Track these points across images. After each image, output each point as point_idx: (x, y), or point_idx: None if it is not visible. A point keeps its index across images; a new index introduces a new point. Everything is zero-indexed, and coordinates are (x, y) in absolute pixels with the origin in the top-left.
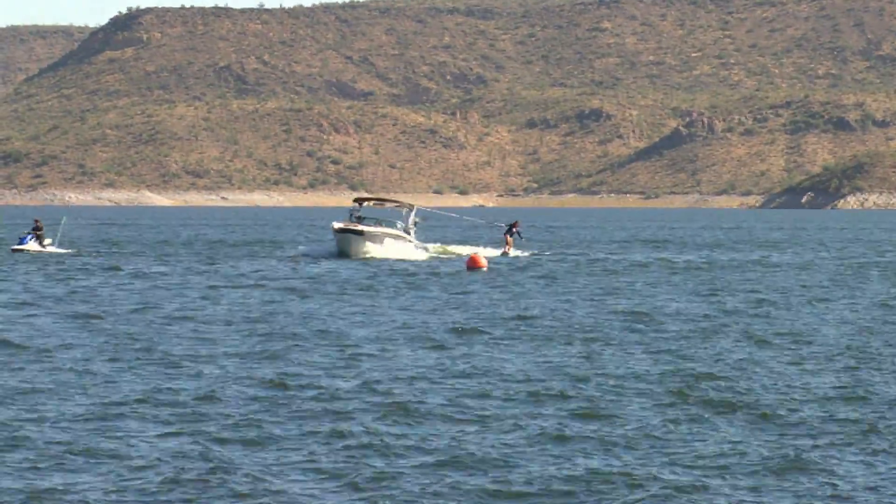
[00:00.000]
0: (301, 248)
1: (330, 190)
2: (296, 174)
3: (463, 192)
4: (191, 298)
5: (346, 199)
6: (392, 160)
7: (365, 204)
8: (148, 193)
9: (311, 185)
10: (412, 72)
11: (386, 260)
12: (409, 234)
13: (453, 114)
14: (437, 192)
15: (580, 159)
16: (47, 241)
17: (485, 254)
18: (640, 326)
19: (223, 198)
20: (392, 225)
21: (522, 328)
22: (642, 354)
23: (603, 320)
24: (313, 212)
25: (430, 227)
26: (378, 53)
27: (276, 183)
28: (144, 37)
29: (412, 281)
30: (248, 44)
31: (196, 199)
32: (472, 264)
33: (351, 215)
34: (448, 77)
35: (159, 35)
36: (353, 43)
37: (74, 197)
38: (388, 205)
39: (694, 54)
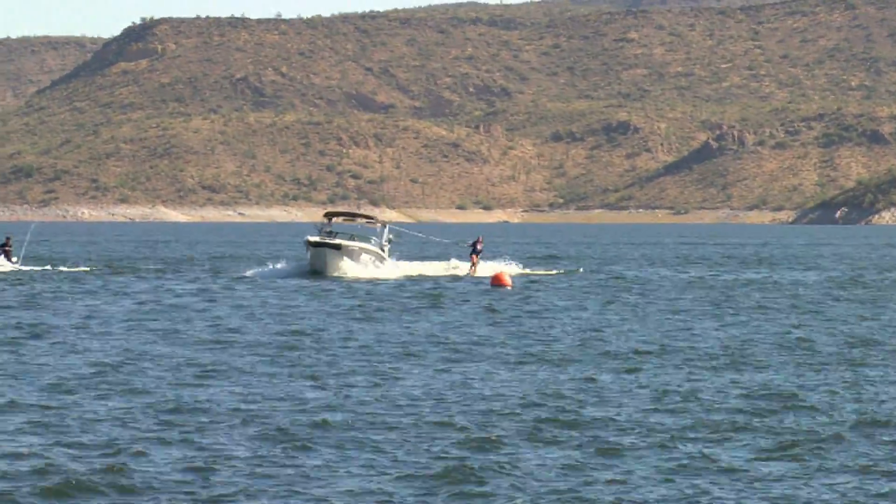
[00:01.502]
0: (256, 269)
1: (350, 205)
2: (315, 189)
3: (487, 208)
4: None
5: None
6: (414, 175)
7: (334, 220)
8: (163, 209)
9: (331, 201)
10: (434, 84)
11: (359, 280)
12: (383, 251)
13: (476, 127)
14: (460, 207)
15: (607, 174)
16: (14, 258)
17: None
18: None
19: (240, 213)
20: (366, 241)
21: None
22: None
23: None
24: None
25: (396, 245)
26: (399, 65)
27: (295, 198)
28: (159, 48)
29: (436, 299)
30: (266, 55)
31: (212, 214)
32: (497, 282)
33: (320, 231)
34: (471, 89)
35: (174, 46)
36: (373, 54)
37: (87, 213)
38: (359, 221)
39: (724, 65)
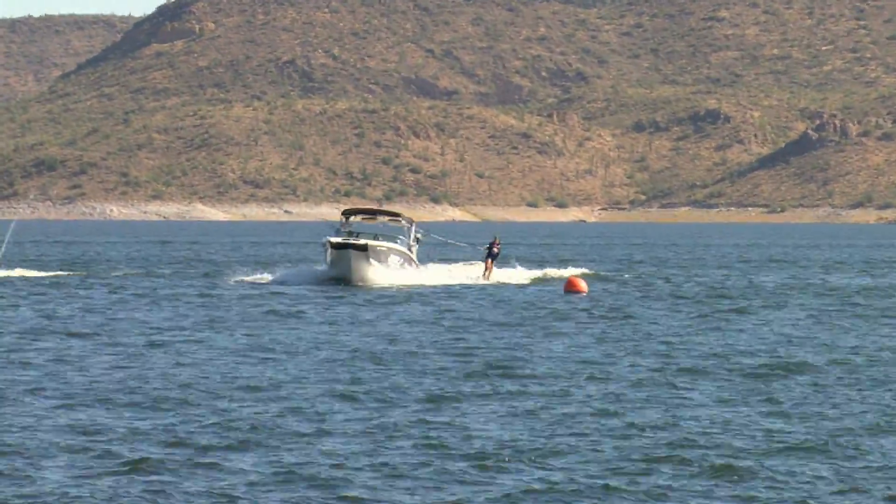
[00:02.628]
0: (259, 275)
1: (409, 202)
2: (369, 184)
3: (561, 206)
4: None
5: (426, 212)
6: (479, 168)
7: (353, 218)
8: (200, 206)
9: (387, 197)
10: (502, 67)
11: (391, 286)
12: (411, 252)
13: (549, 115)
14: (531, 205)
15: (694, 167)
16: None
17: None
18: None
19: (286, 211)
20: (393, 241)
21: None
22: None
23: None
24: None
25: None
26: (463, 46)
27: (347, 194)
28: (196, 28)
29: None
30: (315, 35)
31: (256, 212)
32: (571, 287)
33: (338, 232)
34: (543, 73)
35: (213, 26)
36: (434, 34)
37: (116, 210)
38: (381, 219)
39: (824, 48)
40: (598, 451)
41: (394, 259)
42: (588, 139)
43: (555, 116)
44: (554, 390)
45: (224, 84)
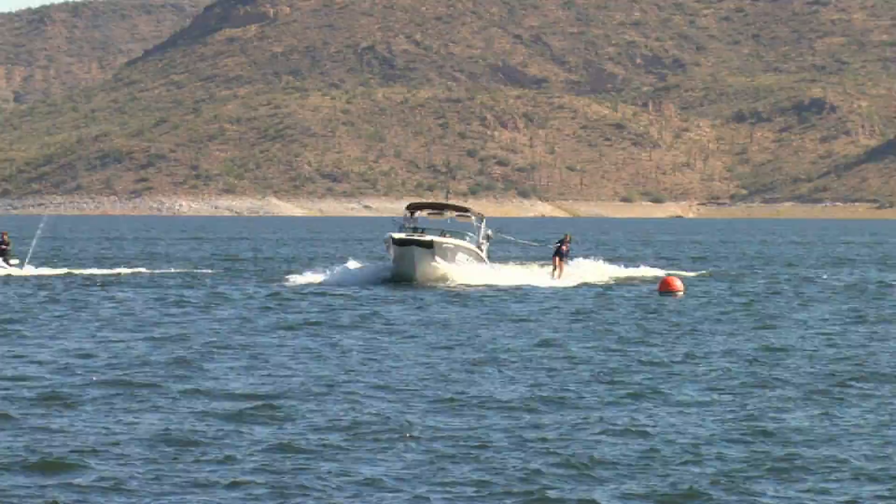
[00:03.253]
0: (312, 274)
1: (495, 197)
2: (454, 178)
3: (657, 201)
4: None
5: (513, 208)
6: (570, 161)
7: (418, 213)
8: (275, 201)
9: (473, 192)
10: (594, 54)
11: (459, 286)
12: (481, 250)
13: (645, 105)
14: (625, 200)
15: (798, 160)
16: (14, 260)
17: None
18: None
19: (366, 206)
20: (461, 237)
21: None
22: None
23: None
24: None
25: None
26: (553, 32)
27: (430, 188)
28: (271, 11)
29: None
30: (397, 20)
31: (333, 207)
32: (665, 288)
33: (402, 227)
34: (638, 60)
35: (288, 9)
36: (522, 19)
37: (186, 205)
38: (449, 213)
39: None
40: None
41: (461, 257)
42: (685, 130)
43: (650, 106)
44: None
45: (300, 71)
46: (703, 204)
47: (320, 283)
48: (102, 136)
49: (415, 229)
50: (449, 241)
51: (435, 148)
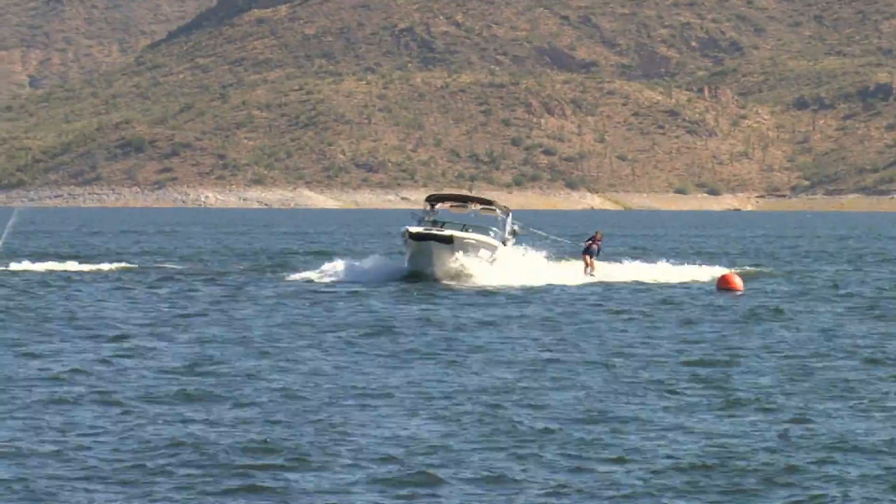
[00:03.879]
0: (318, 271)
1: (541, 188)
2: (497, 168)
3: (713, 193)
4: None
5: (561, 200)
6: (621, 150)
7: (439, 205)
8: (307, 193)
9: (517, 183)
10: (647, 36)
11: (479, 285)
12: (506, 246)
13: (700, 90)
14: (679, 191)
15: (864, 149)
16: None
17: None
18: None
19: (404, 198)
20: (484, 232)
21: None
22: None
23: None
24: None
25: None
26: (603, 13)
27: (472, 179)
28: None
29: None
30: (436, 0)
31: (369, 199)
32: (724, 285)
33: (420, 221)
34: (693, 43)
35: None
36: None
37: (213, 197)
38: (473, 206)
39: None
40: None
41: (484, 254)
42: (743, 118)
43: (706, 92)
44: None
45: (333, 55)
46: (762, 196)
47: (330, 282)
48: (123, 123)
49: (434, 223)
50: (471, 236)
51: (477, 136)
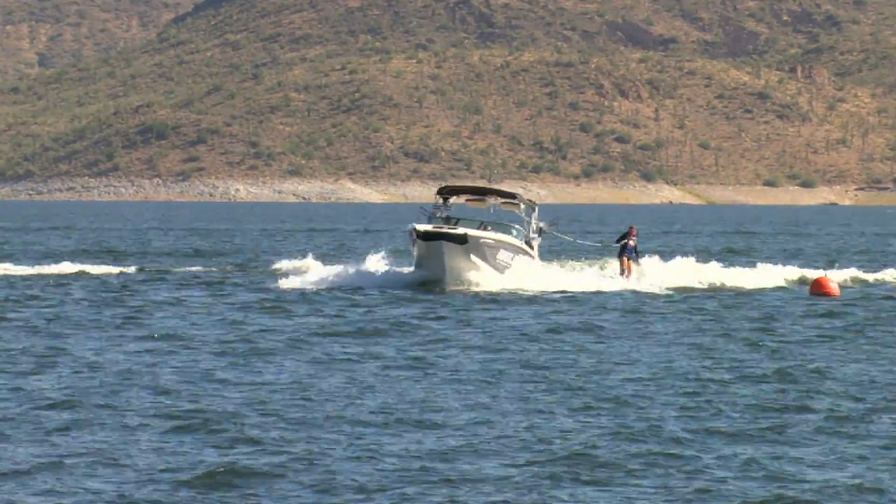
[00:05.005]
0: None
1: (613, 180)
2: (564, 157)
3: (806, 185)
4: None
5: (635, 192)
6: (703, 137)
7: (453, 199)
8: (349, 185)
9: (587, 174)
10: (733, 10)
11: (501, 291)
12: (531, 247)
13: (792, 70)
14: (768, 183)
15: None
16: None
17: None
18: None
19: None
20: (506, 231)
21: None
22: None
23: None
24: (583, 211)
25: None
26: None
27: (536, 170)
28: None
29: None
30: None
31: (419, 192)
32: (818, 289)
33: (431, 217)
34: (785, 18)
35: None
36: None
37: (243, 190)
38: (492, 200)
39: None
40: None
41: (504, 255)
42: (841, 101)
43: (799, 72)
44: None
45: (380, 29)
46: (862, 189)
47: (329, 287)
48: (144, 107)
49: (447, 220)
50: (488, 235)
51: (541, 121)
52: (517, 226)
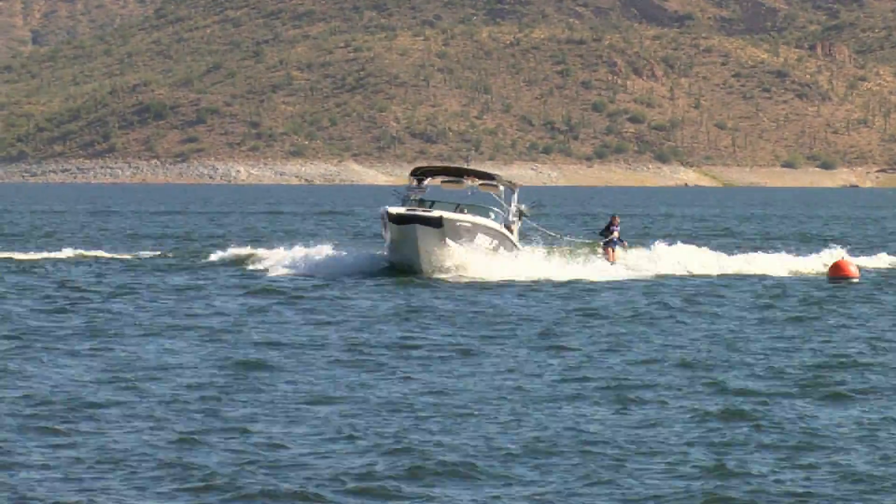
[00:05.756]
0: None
1: (627, 161)
2: (576, 138)
3: (827, 166)
4: None
5: (649, 175)
6: (720, 118)
7: (427, 181)
8: (354, 166)
9: (599, 155)
10: None
11: (478, 279)
12: (510, 231)
13: (812, 48)
14: (787, 165)
15: None
16: None
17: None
18: None
19: None
20: (483, 213)
21: None
22: None
23: None
24: (595, 194)
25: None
26: None
27: (547, 151)
28: None
29: None
30: None
31: None
32: (837, 272)
33: (406, 200)
34: None
35: None
36: None
37: (244, 171)
38: (470, 181)
39: None
40: None
41: (483, 240)
42: (862, 79)
43: (819, 49)
44: None
45: (385, 6)
46: (884, 170)
47: (294, 273)
48: (141, 86)
49: (421, 202)
50: (466, 217)
51: (552, 101)
52: (495, 209)
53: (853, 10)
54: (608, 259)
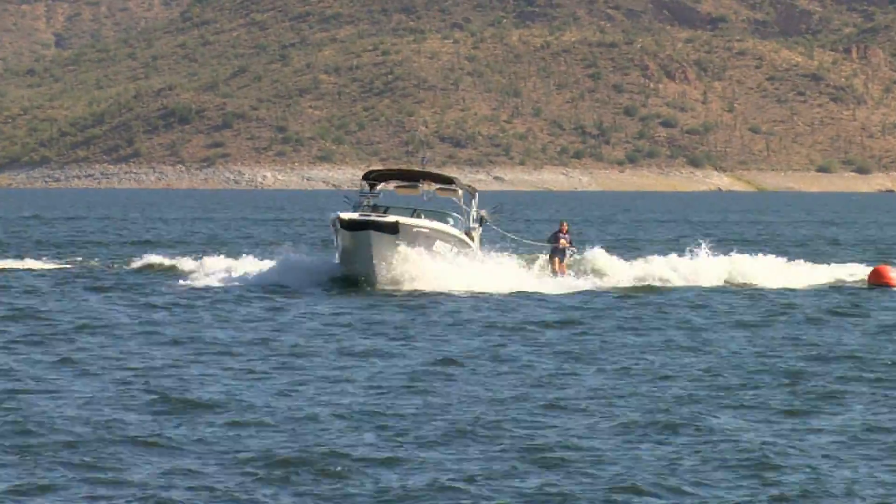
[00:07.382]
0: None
1: (659, 166)
2: (608, 142)
3: (862, 171)
4: None
5: (682, 179)
6: (754, 122)
7: (381, 186)
8: None
9: (631, 160)
10: None
11: (437, 289)
12: (471, 238)
13: (847, 51)
14: (822, 169)
15: None
16: None
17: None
18: None
19: (496, 178)
20: (441, 219)
21: None
22: None
23: None
24: (626, 198)
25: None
26: None
27: (578, 155)
28: None
29: None
30: None
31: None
32: (877, 279)
33: (356, 206)
34: None
35: None
36: None
37: (271, 176)
38: (426, 186)
39: None
40: None
41: (441, 247)
42: None
43: (854, 52)
44: None
45: (414, 9)
46: None
47: (234, 282)
48: (166, 90)
49: (374, 208)
50: (423, 223)
51: (583, 105)
52: (454, 214)
53: (888, 12)
54: (553, 269)
